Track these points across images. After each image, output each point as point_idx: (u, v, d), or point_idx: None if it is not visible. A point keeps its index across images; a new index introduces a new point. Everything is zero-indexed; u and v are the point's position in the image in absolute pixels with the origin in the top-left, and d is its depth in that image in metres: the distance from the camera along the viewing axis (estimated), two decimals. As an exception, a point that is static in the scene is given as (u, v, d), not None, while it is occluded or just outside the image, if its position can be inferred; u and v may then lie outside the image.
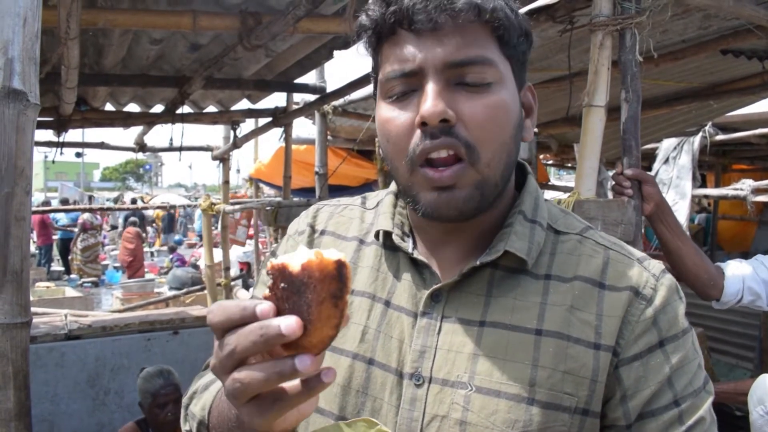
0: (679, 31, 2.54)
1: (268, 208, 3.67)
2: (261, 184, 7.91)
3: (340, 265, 0.53)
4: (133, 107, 4.37)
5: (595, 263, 0.79)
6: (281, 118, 4.59)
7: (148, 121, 4.52)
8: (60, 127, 4.17)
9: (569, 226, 0.83)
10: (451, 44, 0.72)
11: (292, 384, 0.55)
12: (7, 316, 1.12)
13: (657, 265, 0.80)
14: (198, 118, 4.60)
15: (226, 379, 0.56)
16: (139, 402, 2.83)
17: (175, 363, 3.70)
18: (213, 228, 6.24)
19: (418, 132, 0.73)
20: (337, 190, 5.49)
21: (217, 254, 5.76)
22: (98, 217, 13.11)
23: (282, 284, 0.54)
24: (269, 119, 4.76)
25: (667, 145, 4.92)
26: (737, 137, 5.01)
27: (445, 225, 0.80)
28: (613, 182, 1.83)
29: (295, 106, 4.52)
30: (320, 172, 4.47)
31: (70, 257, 12.51)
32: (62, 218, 13.58)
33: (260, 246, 8.40)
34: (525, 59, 0.80)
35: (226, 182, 5.61)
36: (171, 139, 4.88)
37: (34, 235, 12.63)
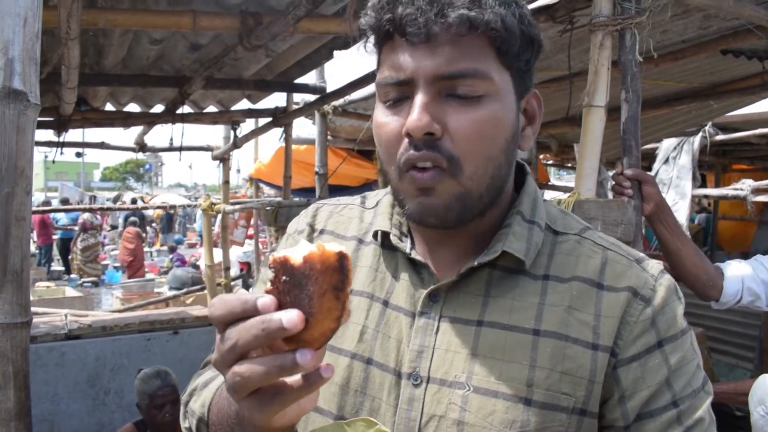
0: (679, 32, 2.54)
1: (268, 208, 3.67)
2: (261, 184, 7.91)
3: (341, 257, 0.54)
4: (133, 107, 4.37)
5: (593, 264, 0.79)
6: (281, 118, 4.59)
7: (149, 121, 4.52)
8: (60, 127, 4.18)
9: (568, 226, 0.83)
10: (443, 56, 0.71)
11: (293, 378, 0.55)
12: (7, 315, 1.12)
13: (656, 266, 0.80)
14: (198, 118, 4.60)
15: (227, 372, 0.56)
16: (136, 403, 2.83)
17: (176, 363, 3.70)
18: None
19: (405, 140, 0.74)
20: (337, 190, 5.49)
21: (217, 254, 5.76)
22: (98, 217, 13.12)
23: (284, 277, 0.54)
24: (269, 119, 4.76)
25: (667, 145, 4.92)
26: (737, 137, 5.01)
27: (443, 230, 0.80)
28: (613, 182, 1.83)
29: (295, 106, 4.52)
30: (320, 172, 4.47)
31: (70, 257, 12.52)
32: (62, 218, 13.58)
33: (260, 246, 8.40)
34: (528, 68, 0.78)
35: (226, 182, 5.61)
36: (171, 139, 4.88)
37: (35, 235, 12.63)
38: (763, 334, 4.11)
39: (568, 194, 1.74)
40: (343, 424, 0.69)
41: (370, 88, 3.63)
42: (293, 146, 4.96)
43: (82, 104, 3.99)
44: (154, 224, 18.60)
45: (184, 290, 7.71)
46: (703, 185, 6.18)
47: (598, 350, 0.73)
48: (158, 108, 4.39)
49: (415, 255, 0.82)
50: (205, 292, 6.13)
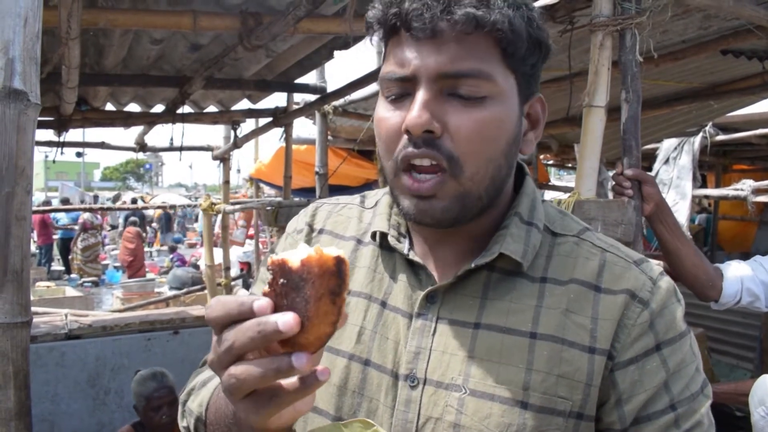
0: (679, 32, 2.54)
1: (269, 208, 3.67)
2: (261, 184, 7.91)
3: (339, 262, 0.54)
4: (133, 107, 4.37)
5: (591, 266, 0.78)
6: (282, 118, 4.59)
7: (149, 120, 4.52)
8: (60, 126, 4.18)
9: (566, 227, 0.83)
10: (448, 54, 0.70)
11: (289, 381, 0.55)
12: (8, 315, 1.12)
13: (654, 268, 0.79)
14: (198, 118, 4.60)
15: (223, 374, 0.56)
16: (133, 405, 2.82)
17: (176, 363, 3.71)
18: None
19: (405, 137, 0.73)
20: (338, 190, 5.49)
21: (218, 254, 5.76)
22: (98, 216, 13.12)
23: (281, 280, 0.54)
24: (270, 119, 4.76)
25: (667, 145, 4.91)
26: (738, 137, 5.00)
27: (440, 230, 0.80)
28: (614, 182, 1.83)
29: (295, 106, 4.52)
30: (320, 172, 4.47)
31: (70, 257, 12.52)
32: (62, 218, 13.58)
33: (260, 246, 8.40)
34: (534, 72, 0.77)
35: (227, 182, 5.61)
36: (171, 139, 4.88)
37: (35, 235, 12.63)
38: (764, 335, 4.10)
39: (568, 194, 1.74)
40: (341, 425, 0.69)
41: (370, 88, 3.63)
42: (293, 146, 4.96)
43: (82, 104, 3.99)
44: (153, 224, 18.60)
45: (185, 290, 7.71)
46: (704, 185, 6.18)
47: (595, 353, 0.73)
48: (158, 108, 4.40)
49: (413, 256, 0.81)
50: (206, 292, 6.13)
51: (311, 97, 4.18)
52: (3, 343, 1.12)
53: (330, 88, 4.01)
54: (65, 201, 16.08)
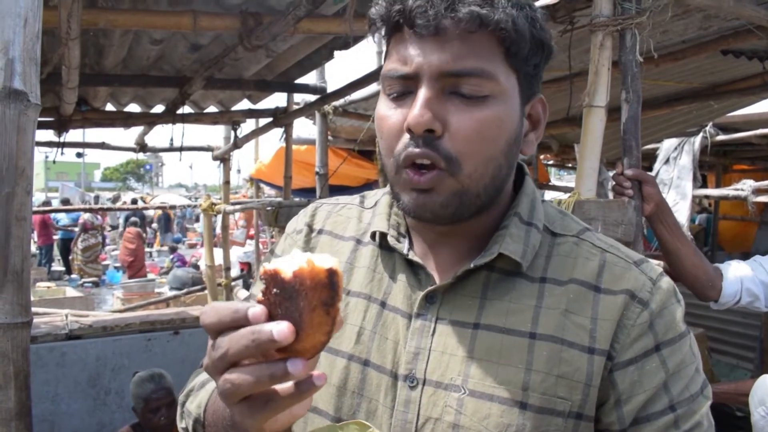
0: (679, 32, 2.54)
1: (269, 208, 3.67)
2: (261, 185, 7.91)
3: (331, 274, 0.53)
4: (133, 107, 4.37)
5: (591, 266, 0.78)
6: (282, 118, 4.59)
7: (149, 121, 4.52)
8: (61, 127, 4.18)
9: (566, 228, 0.83)
10: (450, 52, 0.70)
11: (284, 386, 0.55)
12: (8, 316, 1.12)
13: (655, 268, 0.79)
14: (198, 118, 4.60)
15: (219, 378, 0.56)
16: (132, 407, 2.82)
17: (176, 363, 3.71)
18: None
19: (406, 135, 0.73)
20: (338, 191, 5.49)
21: (218, 254, 5.76)
22: (99, 217, 13.12)
23: (275, 289, 0.54)
24: (270, 119, 4.76)
25: (667, 145, 4.91)
26: (738, 137, 5.01)
27: (439, 226, 0.80)
28: (614, 182, 1.83)
29: (295, 107, 4.52)
30: (321, 172, 4.47)
31: (70, 257, 12.52)
32: (63, 218, 13.59)
33: (261, 246, 8.40)
34: (536, 72, 0.77)
35: (227, 182, 5.61)
36: (171, 139, 4.89)
37: (35, 235, 12.63)
38: (764, 335, 4.10)
39: (568, 194, 1.74)
40: (337, 427, 0.69)
41: (371, 89, 3.63)
42: (294, 146, 4.96)
43: (82, 104, 3.99)
44: (153, 224, 18.60)
45: (185, 290, 7.71)
46: (704, 185, 6.18)
47: (594, 354, 0.73)
48: (158, 108, 4.40)
49: (413, 256, 0.81)
50: (206, 292, 6.13)
51: (311, 98, 4.18)
52: (3, 343, 1.12)
53: (330, 89, 4.01)
54: (65, 201, 16.08)
